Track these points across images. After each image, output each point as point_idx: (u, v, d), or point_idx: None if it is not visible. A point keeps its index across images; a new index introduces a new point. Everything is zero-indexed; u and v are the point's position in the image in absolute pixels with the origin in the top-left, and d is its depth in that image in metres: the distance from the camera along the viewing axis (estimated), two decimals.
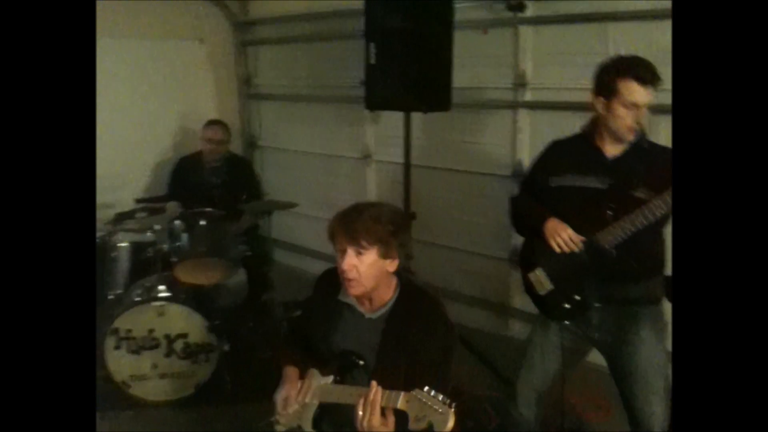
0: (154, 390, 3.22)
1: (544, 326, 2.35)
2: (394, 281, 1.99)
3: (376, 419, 1.67)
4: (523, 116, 3.70)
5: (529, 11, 3.54)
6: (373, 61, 3.18)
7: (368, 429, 1.68)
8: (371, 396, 1.68)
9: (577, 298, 2.19)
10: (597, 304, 2.19)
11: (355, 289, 1.89)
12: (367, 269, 1.85)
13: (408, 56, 3.06)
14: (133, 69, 4.74)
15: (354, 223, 1.84)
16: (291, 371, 2.05)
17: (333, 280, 2.03)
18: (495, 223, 3.78)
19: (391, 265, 1.92)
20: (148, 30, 4.79)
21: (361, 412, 1.69)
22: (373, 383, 1.70)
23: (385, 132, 4.40)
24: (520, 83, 3.66)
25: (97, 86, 4.42)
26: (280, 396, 2.00)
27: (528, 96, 3.67)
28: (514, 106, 3.71)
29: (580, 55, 3.29)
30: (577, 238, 2.16)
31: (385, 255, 1.87)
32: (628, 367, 2.20)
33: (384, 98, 3.24)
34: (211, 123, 4.21)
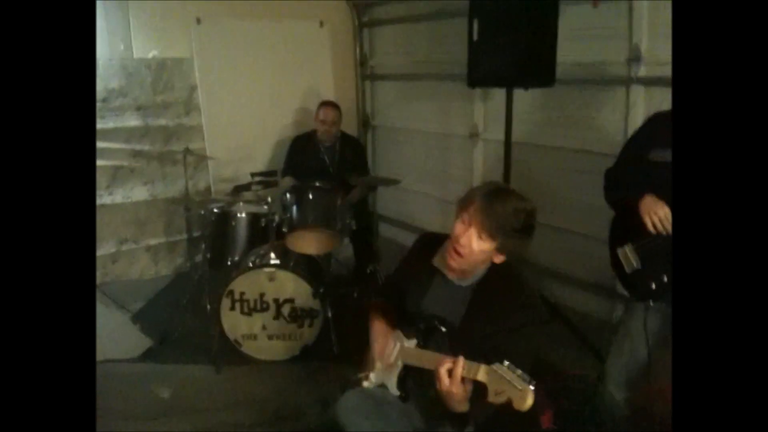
0: (262, 349, 3.49)
1: (633, 308, 2.29)
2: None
3: (456, 388, 1.69)
4: (637, 92, 3.52)
5: None
6: (476, 37, 3.19)
7: (447, 393, 1.72)
8: (455, 369, 1.69)
9: (665, 278, 2.11)
10: None
11: (458, 263, 1.93)
12: (478, 253, 1.88)
13: (510, 32, 3.04)
14: (257, 49, 5.04)
15: (496, 210, 1.82)
16: (381, 326, 2.15)
17: (430, 244, 2.11)
18: (604, 203, 3.65)
19: (498, 258, 1.93)
20: (272, 11, 5.05)
21: (442, 376, 1.71)
22: (461, 359, 1.70)
23: (494, 110, 4.38)
24: (635, 58, 3.49)
25: (225, 69, 4.78)
26: (375, 350, 2.11)
27: (642, 71, 3.50)
28: (627, 81, 3.55)
29: None
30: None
31: (500, 249, 1.89)
32: None
33: (486, 75, 3.24)
34: (325, 104, 4.40)
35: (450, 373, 1.70)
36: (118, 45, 4.46)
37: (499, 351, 1.70)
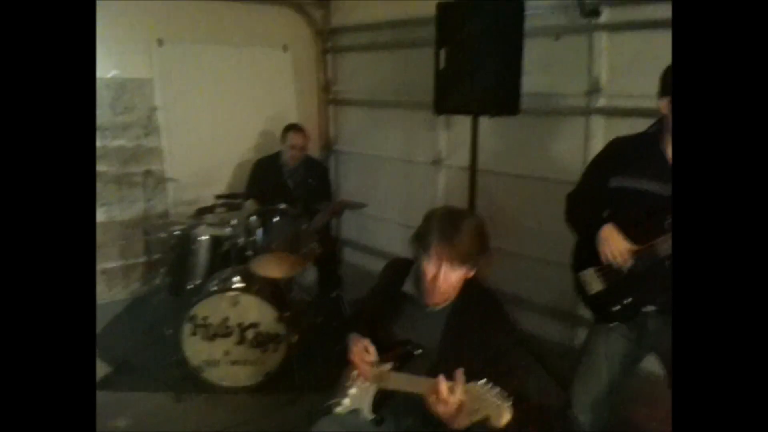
0: (225, 376, 3.40)
1: (597, 332, 2.33)
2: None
3: (450, 410, 1.68)
4: (597, 122, 3.65)
5: (604, 17, 3.50)
6: (443, 66, 3.25)
7: (445, 417, 1.70)
8: (442, 393, 1.67)
9: (627, 301, 2.17)
10: (650, 308, 2.16)
11: (437, 298, 1.95)
12: (456, 282, 1.93)
13: (477, 61, 3.12)
14: (220, 71, 5.02)
15: (456, 238, 1.86)
16: (356, 336, 2.10)
17: (399, 269, 2.11)
18: (565, 230, 3.74)
19: (470, 274, 1.97)
20: (236, 37, 5.06)
21: (436, 403, 1.69)
22: (442, 379, 1.69)
23: (456, 137, 4.46)
24: (594, 89, 3.62)
25: (188, 91, 4.74)
26: (356, 351, 2.04)
27: (602, 102, 3.63)
28: (586, 112, 3.67)
29: (656, 61, 3.22)
30: (629, 254, 2.14)
31: (471, 269, 1.95)
32: None
33: (452, 103, 3.31)
34: (293, 128, 4.40)
35: (440, 398, 1.69)
36: None
37: (478, 373, 1.71)
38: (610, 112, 3.59)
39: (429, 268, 1.91)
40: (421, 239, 1.94)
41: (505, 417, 1.56)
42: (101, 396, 3.29)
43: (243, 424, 3.08)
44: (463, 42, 3.16)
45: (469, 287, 2.01)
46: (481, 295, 2.02)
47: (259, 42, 5.23)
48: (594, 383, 2.36)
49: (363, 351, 2.02)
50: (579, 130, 3.74)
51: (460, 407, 1.67)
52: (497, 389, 1.61)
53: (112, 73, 4.53)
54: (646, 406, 2.96)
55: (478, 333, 1.92)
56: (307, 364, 3.40)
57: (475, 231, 1.91)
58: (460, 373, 1.68)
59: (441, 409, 1.69)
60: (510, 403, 1.58)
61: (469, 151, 3.54)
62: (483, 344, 1.90)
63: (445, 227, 1.90)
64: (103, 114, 4.50)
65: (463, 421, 1.69)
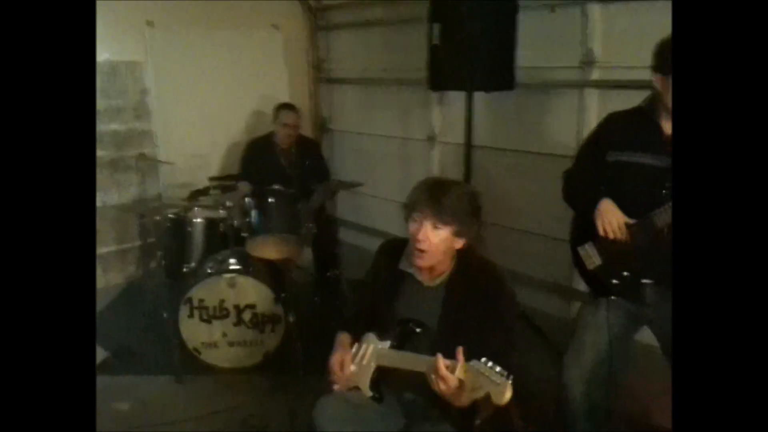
0: (223, 357, 3.41)
1: (593, 303, 2.34)
2: (454, 252, 2.03)
3: (450, 388, 1.69)
4: (590, 95, 3.63)
5: None
6: (436, 41, 3.22)
7: (447, 394, 1.72)
8: (441, 370, 1.69)
9: (626, 274, 2.17)
10: (647, 280, 2.16)
11: (424, 261, 1.96)
12: (439, 243, 1.93)
13: (471, 36, 3.07)
14: (211, 52, 4.96)
15: (441, 199, 1.89)
16: (343, 337, 2.14)
17: (394, 250, 2.12)
18: (559, 204, 3.75)
19: (458, 243, 1.98)
20: (226, 17, 4.99)
21: (436, 381, 1.71)
22: (438, 356, 1.71)
23: (450, 113, 4.43)
24: (588, 62, 3.60)
25: (179, 73, 4.69)
26: (334, 360, 2.08)
27: (596, 75, 3.61)
28: (581, 85, 3.65)
29: (650, 33, 3.19)
30: (625, 228, 2.14)
31: (457, 233, 1.94)
32: None
33: (447, 79, 3.27)
34: (285, 107, 4.34)
35: (440, 375, 1.70)
36: None
37: (479, 347, 1.72)
38: (604, 85, 3.57)
39: (412, 226, 1.95)
40: (408, 202, 1.99)
41: (507, 394, 1.58)
42: (102, 380, 3.30)
43: (245, 404, 3.10)
44: (457, 17, 3.11)
45: (465, 260, 2.02)
46: (479, 268, 2.02)
47: (250, 21, 5.16)
48: (588, 356, 2.37)
49: (339, 363, 2.06)
50: (573, 103, 3.72)
51: (461, 385, 1.68)
52: (498, 367, 1.62)
53: (103, 56, 4.47)
54: (641, 378, 2.98)
55: (477, 308, 1.93)
56: (306, 344, 3.41)
57: (461, 195, 1.94)
58: (460, 352, 1.69)
59: (442, 387, 1.70)
60: (511, 380, 1.59)
61: (464, 127, 3.52)
62: (481, 319, 1.91)
63: (431, 188, 1.95)
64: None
65: (465, 399, 1.71)
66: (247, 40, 5.16)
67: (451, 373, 1.68)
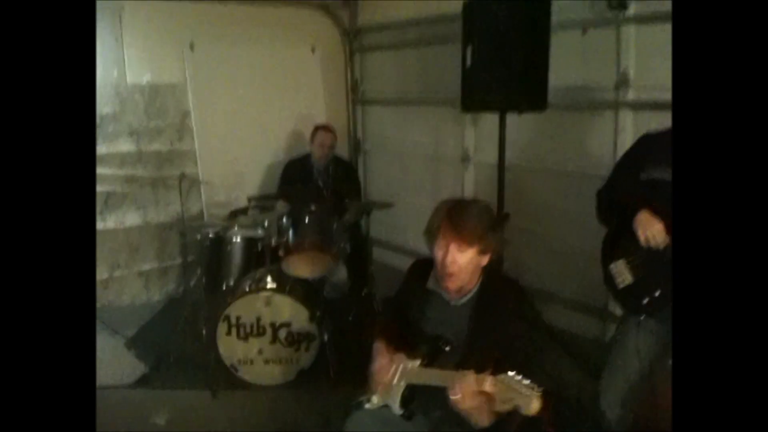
0: (259, 374, 3.48)
1: (627, 325, 2.33)
2: (480, 269, 2.08)
3: (470, 401, 1.75)
4: (625, 116, 3.62)
5: (631, 10, 3.46)
6: (469, 63, 3.26)
7: (468, 410, 1.77)
8: (467, 385, 1.74)
9: (657, 294, 2.16)
10: None
11: (454, 283, 2.02)
12: (467, 264, 1.99)
13: (504, 58, 3.11)
14: (249, 74, 5.11)
15: (462, 222, 1.96)
16: (381, 345, 2.19)
17: (423, 269, 2.18)
18: (594, 224, 3.72)
19: (484, 260, 2.04)
20: (265, 39, 5.13)
21: (457, 396, 1.77)
22: (471, 374, 1.76)
23: (484, 133, 4.46)
24: (623, 82, 3.59)
25: (219, 94, 4.85)
26: (374, 368, 2.14)
27: (630, 95, 3.60)
28: (615, 106, 3.64)
29: None
30: (666, 235, 2.13)
31: (482, 252, 2.00)
32: None
33: (480, 100, 3.31)
34: (322, 128, 4.46)
35: (466, 390, 1.75)
36: (112, 70, 4.49)
37: (507, 362, 1.77)
38: (639, 106, 3.56)
39: (438, 252, 2.00)
40: (429, 229, 2.06)
41: (535, 405, 1.61)
42: (140, 393, 3.43)
43: (279, 419, 3.15)
44: (489, 39, 3.16)
45: (490, 278, 2.08)
46: (502, 284, 2.09)
47: (288, 43, 5.30)
48: (622, 378, 2.37)
49: (380, 369, 2.12)
50: (608, 124, 3.71)
51: (487, 400, 1.72)
52: (527, 380, 1.65)
53: (145, 78, 4.64)
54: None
55: (503, 323, 1.98)
56: (340, 361, 3.45)
57: (478, 213, 2.00)
58: (470, 374, 1.75)
59: (466, 404, 1.74)
60: (540, 392, 1.62)
61: (497, 147, 3.53)
62: (507, 334, 1.96)
63: (449, 212, 2.00)
64: (138, 119, 4.63)
65: (487, 418, 1.74)
66: (285, 62, 5.30)
67: (478, 388, 1.71)
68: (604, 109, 3.73)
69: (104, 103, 4.46)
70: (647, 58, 3.49)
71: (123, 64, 4.53)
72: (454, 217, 1.98)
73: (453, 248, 1.97)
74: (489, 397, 1.72)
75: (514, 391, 1.65)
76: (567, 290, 4.09)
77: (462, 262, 1.97)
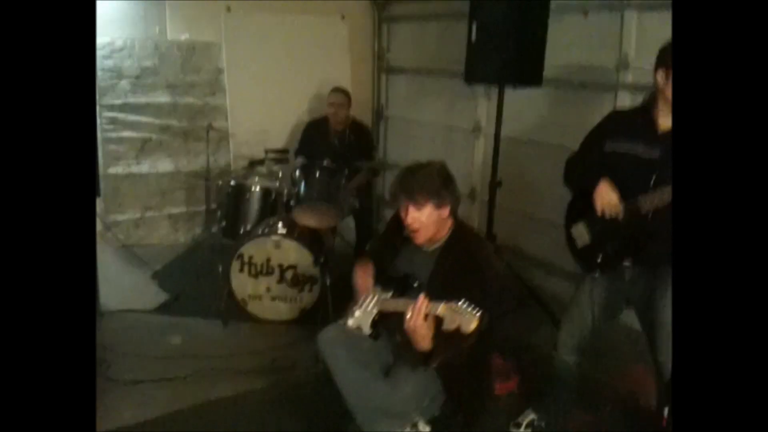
0: (266, 309, 3.87)
1: (584, 282, 2.60)
2: (449, 222, 2.40)
3: (420, 320, 2.09)
4: (624, 97, 3.83)
5: None
6: (473, 38, 3.51)
7: (413, 328, 2.11)
8: (418, 304, 2.10)
9: (609, 251, 2.42)
10: (626, 263, 2.41)
11: (421, 237, 2.35)
12: (426, 220, 2.31)
13: (503, 35, 3.36)
14: (281, 38, 5.41)
15: (410, 184, 2.29)
16: (361, 273, 2.56)
17: (401, 221, 2.47)
18: None
19: (444, 212, 2.34)
20: (298, 6, 5.42)
21: (408, 315, 2.11)
22: (422, 295, 2.11)
23: (496, 106, 4.67)
24: (623, 65, 3.79)
25: (251, 55, 5.16)
26: (356, 284, 2.53)
27: (630, 78, 3.80)
28: (615, 87, 3.85)
29: None
30: (620, 207, 2.37)
31: (438, 205, 2.30)
32: (655, 323, 2.39)
33: (480, 73, 3.57)
34: (334, 89, 4.73)
35: (416, 309, 2.08)
36: (153, 27, 4.87)
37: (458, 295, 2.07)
38: (638, 88, 3.74)
39: (402, 213, 2.33)
40: (390, 197, 2.39)
41: (473, 324, 1.95)
42: (160, 318, 3.87)
43: (277, 348, 3.53)
44: (491, 17, 3.41)
45: (458, 231, 2.39)
46: (467, 238, 2.39)
47: (319, 11, 5.55)
48: (578, 328, 2.64)
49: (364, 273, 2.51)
50: (608, 103, 3.90)
51: (438, 322, 2.05)
52: (472, 307, 1.98)
53: (184, 36, 4.99)
54: (625, 362, 3.19)
55: (463, 270, 2.28)
56: (338, 303, 3.80)
57: (427, 173, 2.29)
58: (423, 299, 2.10)
59: (410, 324, 2.09)
60: (478, 315, 1.95)
61: (501, 121, 3.76)
62: (467, 279, 2.25)
63: (403, 176, 2.32)
64: (175, 73, 5.01)
65: (427, 342, 2.11)
66: (316, 28, 5.57)
67: (430, 310, 2.05)
68: (605, 90, 3.94)
69: (145, 57, 4.85)
70: (647, 44, 3.67)
71: (164, 22, 4.91)
72: (404, 180, 2.31)
73: (411, 208, 2.29)
74: (438, 321, 2.05)
75: (459, 315, 1.99)
76: (561, 259, 4.33)
77: (422, 218, 2.29)
